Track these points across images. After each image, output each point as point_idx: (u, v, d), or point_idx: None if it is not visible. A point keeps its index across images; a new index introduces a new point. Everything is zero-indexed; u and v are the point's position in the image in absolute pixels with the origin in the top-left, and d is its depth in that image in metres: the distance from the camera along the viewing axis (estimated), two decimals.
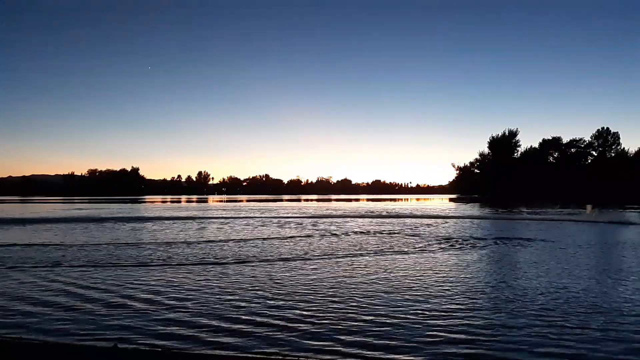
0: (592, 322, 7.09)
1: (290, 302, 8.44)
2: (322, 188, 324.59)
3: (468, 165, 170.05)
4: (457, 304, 8.28)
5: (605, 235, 21.19)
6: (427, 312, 7.70)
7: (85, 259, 14.05)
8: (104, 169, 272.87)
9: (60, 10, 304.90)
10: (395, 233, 22.32)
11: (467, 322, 7.16)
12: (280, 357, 5.71)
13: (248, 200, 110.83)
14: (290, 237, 20.82)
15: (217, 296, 9.06)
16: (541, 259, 13.84)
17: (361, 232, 22.79)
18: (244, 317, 7.52)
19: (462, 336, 6.49)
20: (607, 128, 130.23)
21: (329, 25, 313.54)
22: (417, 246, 16.94)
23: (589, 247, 16.73)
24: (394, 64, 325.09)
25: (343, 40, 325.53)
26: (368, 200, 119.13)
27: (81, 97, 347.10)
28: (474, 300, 8.54)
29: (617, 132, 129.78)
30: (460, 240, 18.96)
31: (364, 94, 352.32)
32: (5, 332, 6.71)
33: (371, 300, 8.61)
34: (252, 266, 12.68)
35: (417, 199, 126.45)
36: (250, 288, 9.77)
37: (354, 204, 75.24)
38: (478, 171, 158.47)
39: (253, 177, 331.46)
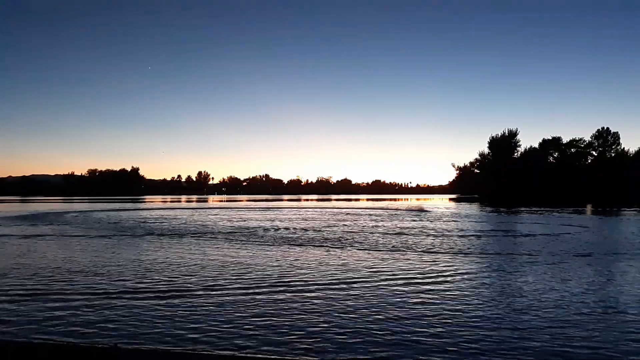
0: None
1: None
2: (322, 188, 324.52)
3: (468, 165, 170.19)
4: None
5: None
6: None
7: None
8: (104, 169, 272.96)
9: (60, 10, 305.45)
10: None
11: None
12: (279, 358, 5.72)
13: (248, 200, 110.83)
14: None
15: None
16: None
17: None
18: None
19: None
20: (607, 128, 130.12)
21: (329, 25, 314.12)
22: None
23: None
24: (394, 64, 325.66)
25: (343, 40, 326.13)
26: (368, 199, 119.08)
27: (81, 97, 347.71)
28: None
29: (617, 132, 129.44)
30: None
31: (364, 94, 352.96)
32: None
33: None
34: None
35: (417, 199, 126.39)
36: None
37: (331, 204, 75.12)
38: (478, 171, 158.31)
39: (253, 177, 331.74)
